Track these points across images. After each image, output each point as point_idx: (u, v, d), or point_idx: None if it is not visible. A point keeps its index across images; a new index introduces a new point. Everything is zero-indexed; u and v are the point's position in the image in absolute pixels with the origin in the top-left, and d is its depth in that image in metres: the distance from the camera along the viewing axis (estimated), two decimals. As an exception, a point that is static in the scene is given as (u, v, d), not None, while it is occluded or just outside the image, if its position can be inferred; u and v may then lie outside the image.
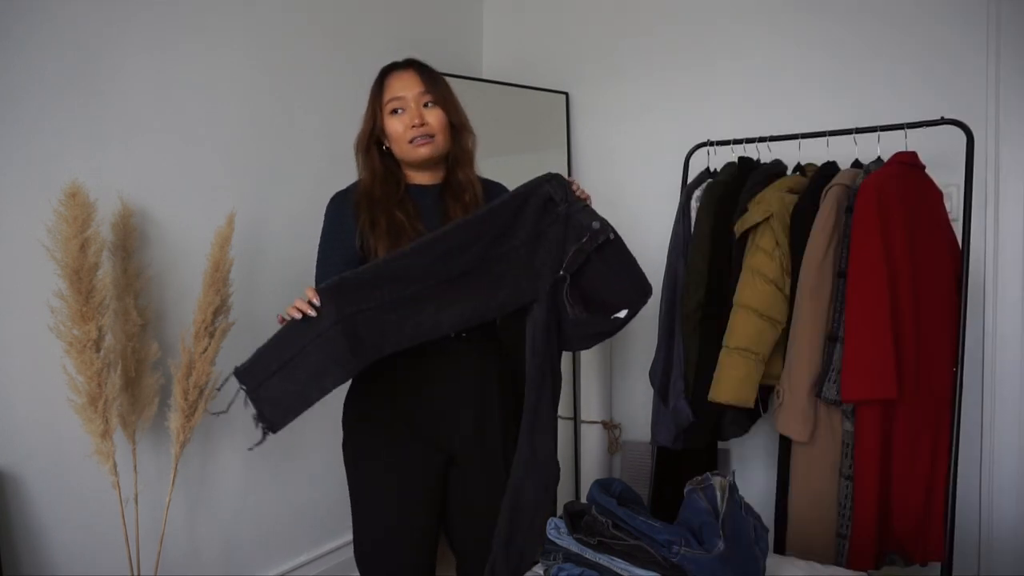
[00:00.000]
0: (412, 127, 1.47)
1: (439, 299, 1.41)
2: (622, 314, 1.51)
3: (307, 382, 1.36)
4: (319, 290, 1.35)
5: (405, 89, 1.49)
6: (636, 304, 1.52)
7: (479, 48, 3.10)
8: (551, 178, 1.47)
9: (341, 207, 1.53)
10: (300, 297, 1.34)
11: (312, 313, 1.32)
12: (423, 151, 1.49)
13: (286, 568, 2.25)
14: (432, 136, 1.49)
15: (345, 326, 1.35)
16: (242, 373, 1.37)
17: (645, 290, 1.53)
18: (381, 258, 1.41)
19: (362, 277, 1.39)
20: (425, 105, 1.49)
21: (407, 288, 1.40)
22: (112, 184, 1.74)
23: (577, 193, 1.47)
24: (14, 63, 1.61)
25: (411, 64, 1.53)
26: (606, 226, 1.46)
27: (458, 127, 1.55)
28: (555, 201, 1.46)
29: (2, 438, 1.61)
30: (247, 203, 2.06)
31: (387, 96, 1.49)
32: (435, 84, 1.52)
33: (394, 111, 1.49)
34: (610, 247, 1.47)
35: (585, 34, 2.88)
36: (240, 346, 2.00)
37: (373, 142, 1.53)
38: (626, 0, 2.79)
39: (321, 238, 1.54)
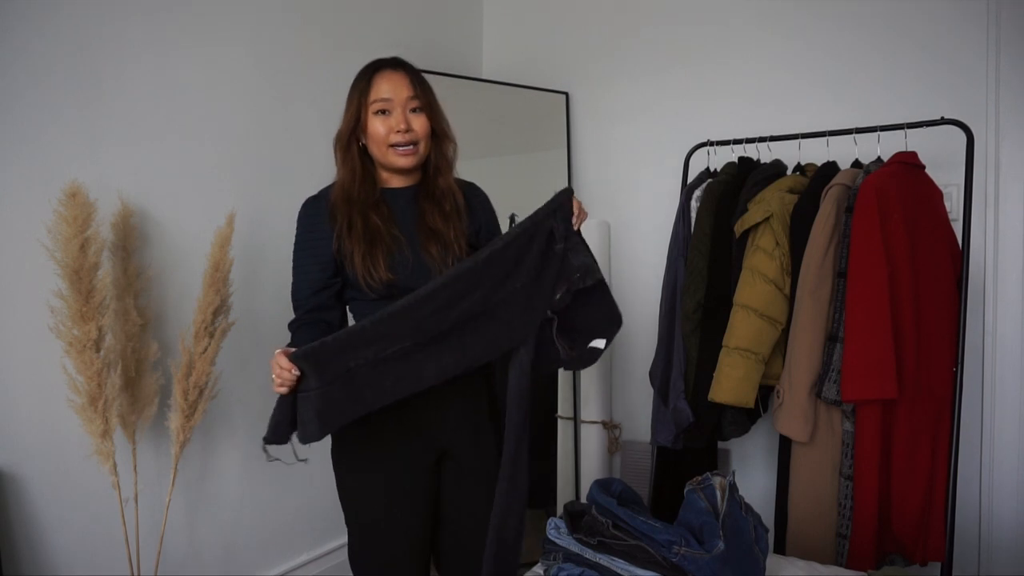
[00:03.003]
0: (397, 132, 1.46)
1: (426, 351, 1.34)
2: (600, 344, 1.50)
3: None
4: (295, 360, 1.27)
5: (393, 91, 1.47)
6: (611, 334, 1.52)
7: (479, 48, 3.10)
8: (557, 208, 1.42)
9: (314, 212, 1.51)
10: (275, 361, 1.29)
11: (293, 377, 1.28)
12: (404, 161, 1.48)
13: (286, 568, 2.25)
14: (415, 144, 1.48)
15: (324, 392, 1.30)
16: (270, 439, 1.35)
17: (617, 320, 1.52)
18: (368, 320, 1.31)
19: (344, 342, 1.29)
20: (412, 110, 1.48)
21: (392, 346, 1.31)
22: (112, 184, 1.74)
23: (576, 216, 1.44)
24: (15, 63, 1.61)
25: (400, 65, 1.51)
26: (594, 267, 1.43)
27: (440, 135, 1.53)
28: (555, 239, 1.42)
29: (2, 438, 1.61)
30: (247, 203, 2.06)
31: (374, 95, 1.47)
32: (423, 89, 1.50)
33: (379, 112, 1.47)
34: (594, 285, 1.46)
35: (585, 34, 2.88)
36: (240, 346, 2.02)
37: (354, 139, 1.52)
38: (626, 0, 2.79)
39: (295, 244, 1.52)
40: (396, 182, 1.55)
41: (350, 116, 1.50)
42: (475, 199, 1.61)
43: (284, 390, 1.29)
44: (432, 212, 1.50)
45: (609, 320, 1.51)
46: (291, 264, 1.53)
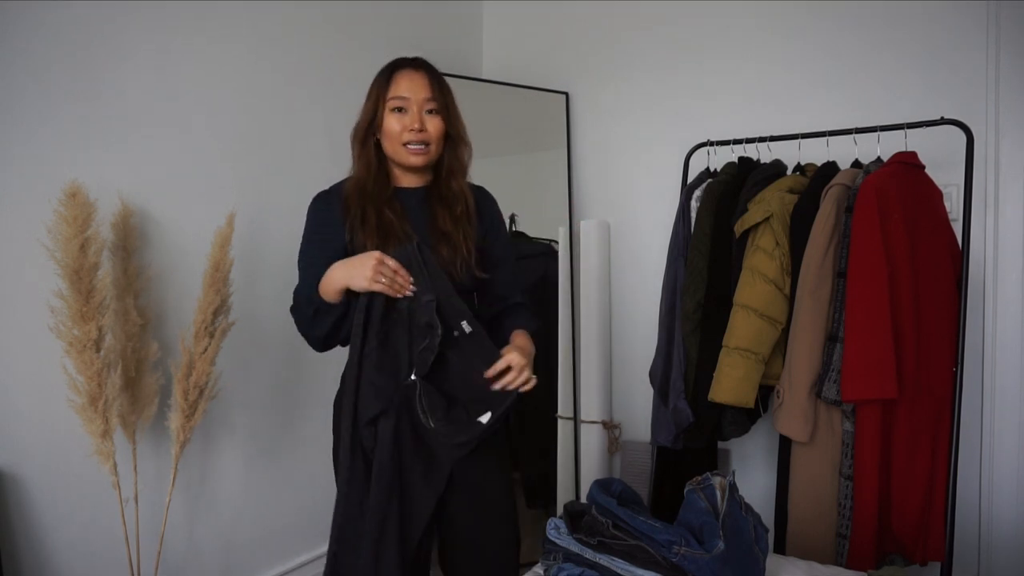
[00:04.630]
0: (410, 130, 1.47)
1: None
2: (484, 419, 1.35)
3: None
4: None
5: (412, 91, 1.48)
6: (498, 404, 1.37)
7: (479, 48, 3.10)
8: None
9: (325, 207, 1.51)
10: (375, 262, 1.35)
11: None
12: (415, 160, 1.48)
13: (286, 568, 2.25)
14: (428, 144, 1.48)
15: None
16: None
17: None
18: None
19: None
20: (428, 112, 1.49)
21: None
22: (112, 184, 1.74)
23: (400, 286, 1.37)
24: (15, 63, 1.61)
25: (422, 65, 1.52)
26: (435, 324, 1.35)
27: (455, 138, 1.53)
28: (393, 300, 1.38)
29: (2, 438, 1.61)
30: (247, 203, 2.06)
31: (392, 92, 1.48)
32: (441, 92, 1.51)
33: (396, 109, 1.48)
34: (466, 340, 1.37)
35: (585, 34, 2.88)
36: (240, 346, 2.02)
37: (371, 134, 1.52)
38: (626, 0, 2.79)
39: (304, 239, 1.51)
40: (408, 181, 1.55)
41: (368, 111, 1.51)
42: (484, 204, 1.61)
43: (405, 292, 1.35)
44: (443, 215, 1.51)
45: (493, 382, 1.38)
46: (294, 262, 1.52)
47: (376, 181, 1.50)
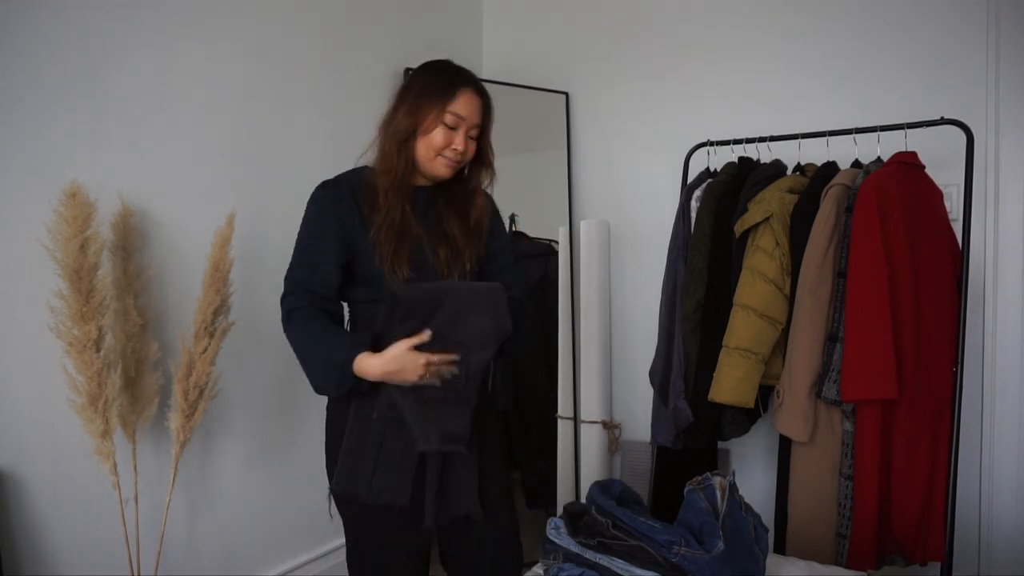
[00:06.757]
0: (453, 148, 1.47)
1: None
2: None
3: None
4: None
5: (470, 114, 1.48)
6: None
7: (479, 48, 3.10)
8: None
9: (335, 196, 1.48)
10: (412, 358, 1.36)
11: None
12: (446, 172, 1.50)
13: (286, 568, 2.25)
14: (461, 163, 1.51)
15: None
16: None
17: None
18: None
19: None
20: (471, 136, 1.50)
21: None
22: (112, 184, 1.74)
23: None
24: (15, 63, 1.61)
25: (482, 91, 1.52)
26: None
27: (483, 163, 1.57)
28: None
29: (2, 438, 1.61)
30: (247, 203, 2.06)
31: (452, 108, 1.47)
32: (488, 120, 1.53)
33: (449, 125, 1.48)
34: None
35: (585, 34, 2.88)
36: (240, 346, 2.02)
37: (412, 135, 1.49)
38: (626, 0, 2.79)
39: (307, 225, 1.48)
40: (419, 180, 1.55)
41: (420, 116, 1.47)
42: (496, 223, 1.62)
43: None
44: (448, 215, 1.52)
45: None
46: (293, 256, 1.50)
47: (407, 179, 1.50)
